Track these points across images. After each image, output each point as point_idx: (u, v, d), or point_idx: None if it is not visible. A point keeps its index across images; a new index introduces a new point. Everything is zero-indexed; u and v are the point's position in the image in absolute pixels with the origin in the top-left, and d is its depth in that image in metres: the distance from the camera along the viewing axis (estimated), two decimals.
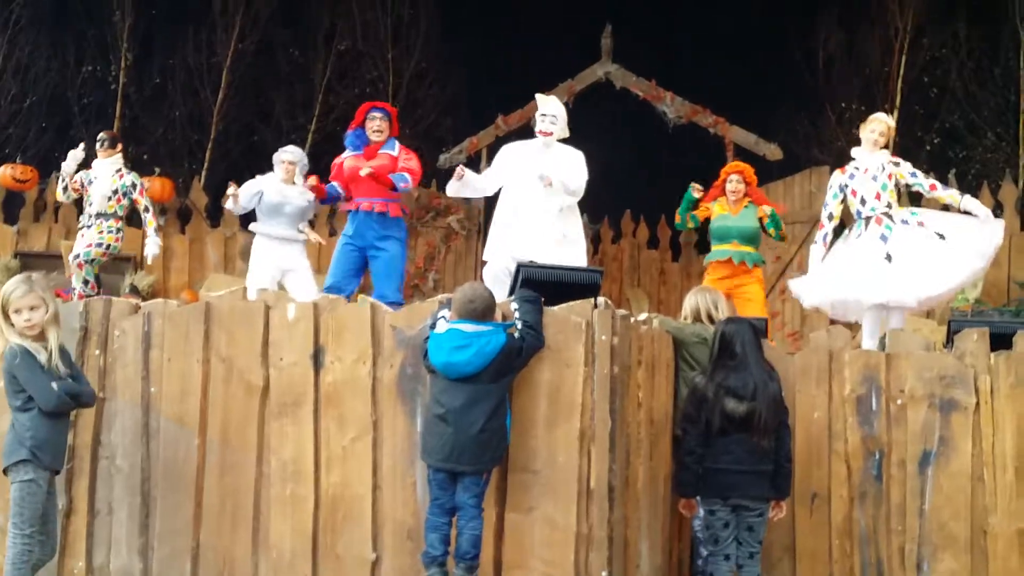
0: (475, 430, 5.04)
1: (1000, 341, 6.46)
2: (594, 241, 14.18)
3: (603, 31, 13.71)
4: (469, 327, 5.11)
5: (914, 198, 10.61)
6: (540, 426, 5.24)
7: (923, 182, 7.78)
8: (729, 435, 5.68)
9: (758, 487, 5.71)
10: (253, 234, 13.56)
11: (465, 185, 8.11)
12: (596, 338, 5.25)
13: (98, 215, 9.42)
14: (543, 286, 5.66)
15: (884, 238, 7.64)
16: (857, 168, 7.95)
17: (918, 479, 6.27)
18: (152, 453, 5.72)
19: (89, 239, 9.33)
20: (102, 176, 9.54)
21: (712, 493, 5.72)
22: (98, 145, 9.69)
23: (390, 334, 5.50)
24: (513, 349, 5.12)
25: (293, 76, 15.93)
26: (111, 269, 11.54)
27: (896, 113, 13.68)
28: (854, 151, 8.05)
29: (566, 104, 13.20)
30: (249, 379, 5.63)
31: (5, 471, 5.15)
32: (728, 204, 8.96)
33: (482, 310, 5.17)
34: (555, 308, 5.32)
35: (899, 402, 6.35)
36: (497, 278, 7.62)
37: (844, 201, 8.01)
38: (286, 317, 5.66)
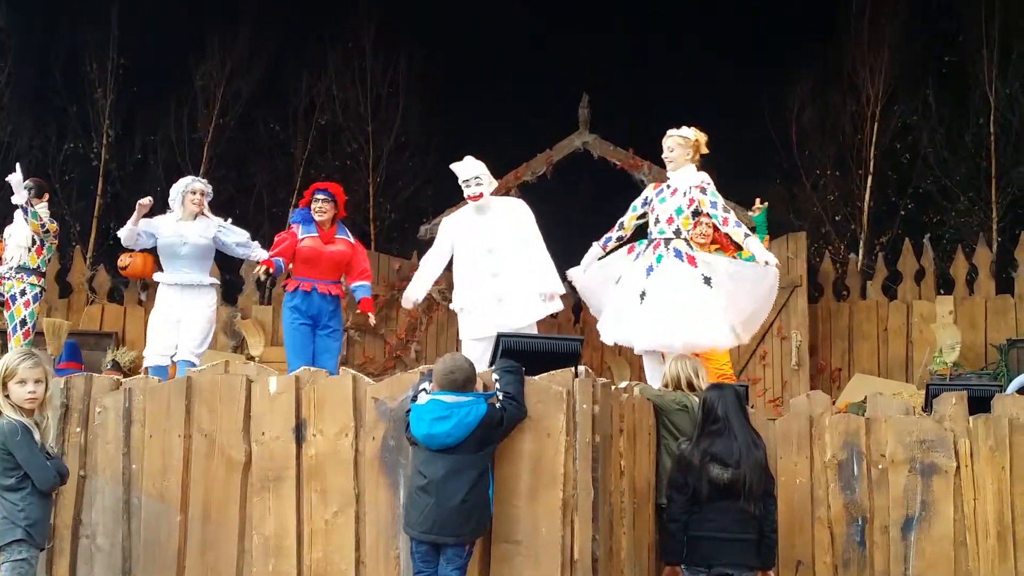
0: (457, 501, 5.02)
1: (979, 404, 6.52)
2: (575, 310, 14.22)
3: (580, 101, 13.88)
4: (450, 398, 5.12)
5: None
6: (522, 496, 5.23)
7: (719, 214, 7.32)
8: (714, 502, 5.69)
9: (743, 555, 5.70)
10: (235, 308, 13.64)
11: (424, 282, 8.08)
12: (577, 407, 5.25)
13: (19, 268, 9.00)
14: (524, 355, 5.68)
15: (649, 269, 7.28)
16: (668, 186, 7.53)
17: (901, 544, 6.29)
18: (133, 531, 5.67)
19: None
20: (19, 226, 9.10)
21: (697, 561, 5.71)
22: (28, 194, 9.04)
23: (372, 406, 5.49)
24: (494, 419, 5.13)
25: (274, 150, 16.07)
26: (92, 345, 11.52)
27: (870, 179, 13.86)
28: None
29: (543, 175, 13.43)
30: (231, 454, 5.61)
31: None
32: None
33: (462, 381, 5.19)
34: (536, 377, 5.33)
35: (880, 467, 6.39)
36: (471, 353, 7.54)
37: (644, 217, 7.60)
38: (267, 391, 5.65)
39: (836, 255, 13.79)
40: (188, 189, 8.08)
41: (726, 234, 7.56)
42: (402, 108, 15.32)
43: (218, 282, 8.23)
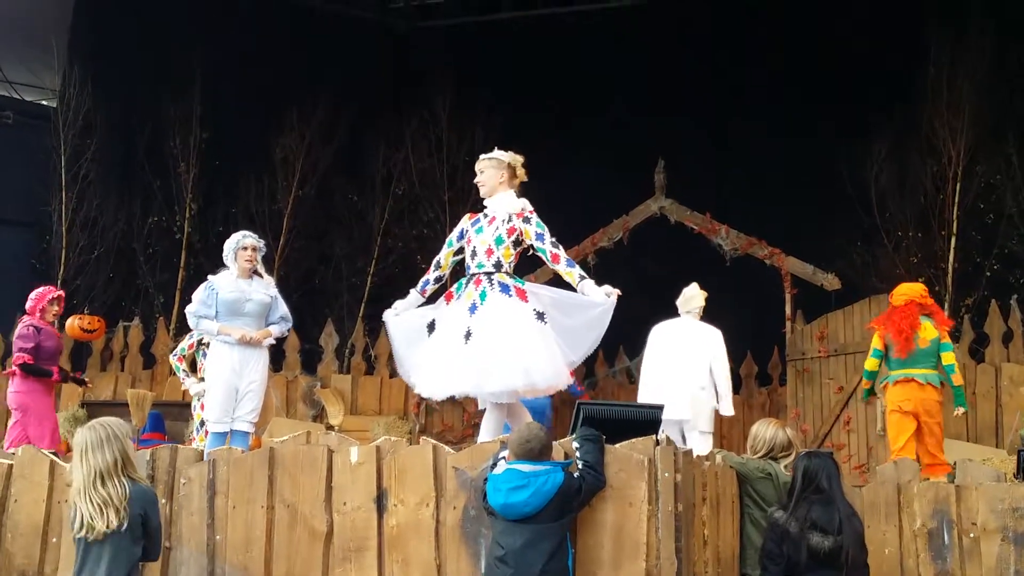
0: (535, 571, 4.98)
1: None
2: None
3: (656, 167, 13.90)
4: (526, 467, 5.10)
5: None
6: (605, 566, 5.18)
7: (548, 249, 6.52)
8: (812, 572, 5.57)
9: None
10: (315, 377, 13.75)
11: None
12: (659, 475, 5.21)
13: None
14: (604, 423, 5.65)
15: (472, 308, 6.41)
16: (485, 215, 6.71)
17: None
18: None
19: None
20: None
21: None
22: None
23: (452, 476, 5.50)
24: (572, 488, 5.09)
25: (352, 220, 16.24)
26: (176, 416, 11.67)
27: (954, 240, 13.65)
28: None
29: (620, 240, 13.43)
30: (313, 525, 5.64)
31: None
32: None
33: (539, 450, 5.17)
34: (616, 446, 5.30)
35: (972, 536, 6.22)
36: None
37: (461, 252, 6.78)
38: (349, 461, 5.68)
39: None
40: (239, 246, 7.85)
41: (557, 272, 6.63)
42: None
43: (273, 342, 8.08)
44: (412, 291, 6.92)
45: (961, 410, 8.81)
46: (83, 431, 5.14)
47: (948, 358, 8.74)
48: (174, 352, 9.62)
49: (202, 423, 8.91)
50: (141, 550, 5.08)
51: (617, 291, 6.34)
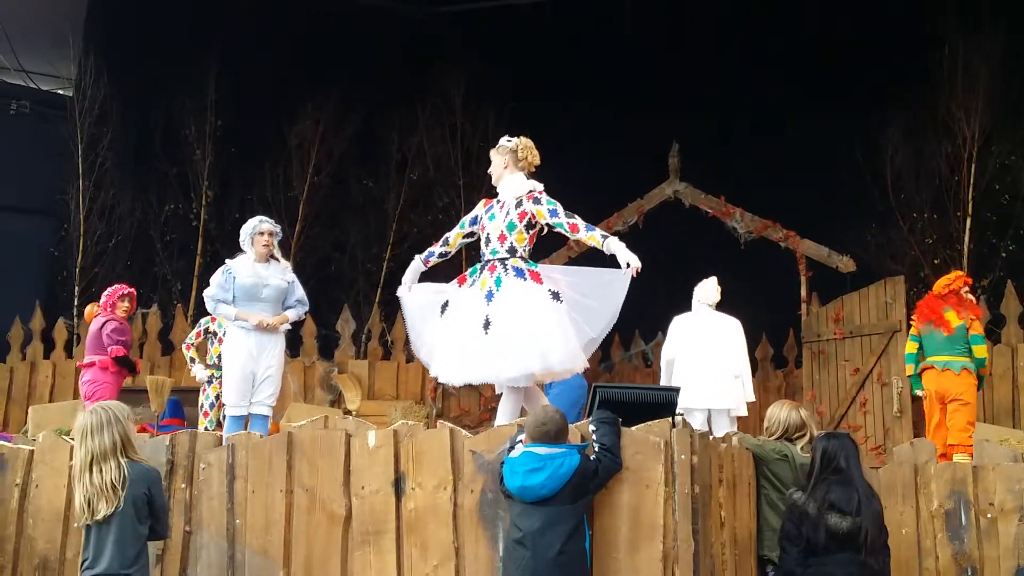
0: (553, 553, 5.00)
1: None
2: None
3: (670, 150, 13.89)
4: (542, 450, 5.13)
5: None
6: (622, 549, 5.21)
7: (564, 221, 6.45)
8: (832, 553, 5.58)
9: None
10: (332, 363, 13.80)
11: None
12: (676, 457, 5.23)
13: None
14: (620, 406, 5.67)
15: (489, 296, 6.40)
16: (498, 202, 6.71)
17: None
18: None
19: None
20: None
21: None
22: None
23: (470, 459, 5.53)
24: (588, 471, 5.12)
25: (367, 206, 16.26)
26: (194, 401, 11.73)
27: (969, 221, 13.60)
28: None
29: (635, 224, 13.44)
30: (332, 509, 5.68)
31: None
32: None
33: (555, 432, 5.20)
34: (633, 428, 5.32)
35: (989, 516, 6.22)
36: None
37: (471, 236, 6.83)
38: (367, 445, 5.72)
39: None
40: (256, 231, 7.88)
41: (579, 241, 6.63)
42: None
43: (290, 327, 8.10)
44: (416, 258, 6.94)
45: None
46: (84, 415, 5.23)
47: (978, 351, 9.10)
48: (185, 340, 9.96)
49: (212, 405, 9.21)
50: (148, 529, 5.15)
51: (637, 264, 6.25)
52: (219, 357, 9.05)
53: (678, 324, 9.63)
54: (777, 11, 15.39)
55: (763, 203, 13.50)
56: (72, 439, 5.41)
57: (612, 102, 15.59)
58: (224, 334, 8.66)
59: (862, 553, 5.56)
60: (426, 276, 6.98)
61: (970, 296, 9.28)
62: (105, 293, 9.90)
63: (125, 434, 5.15)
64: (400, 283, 6.93)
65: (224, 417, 7.90)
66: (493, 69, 15.52)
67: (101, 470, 5.04)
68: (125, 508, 5.03)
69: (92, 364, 9.50)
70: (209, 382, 9.56)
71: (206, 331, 9.67)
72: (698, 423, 8.75)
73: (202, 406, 9.63)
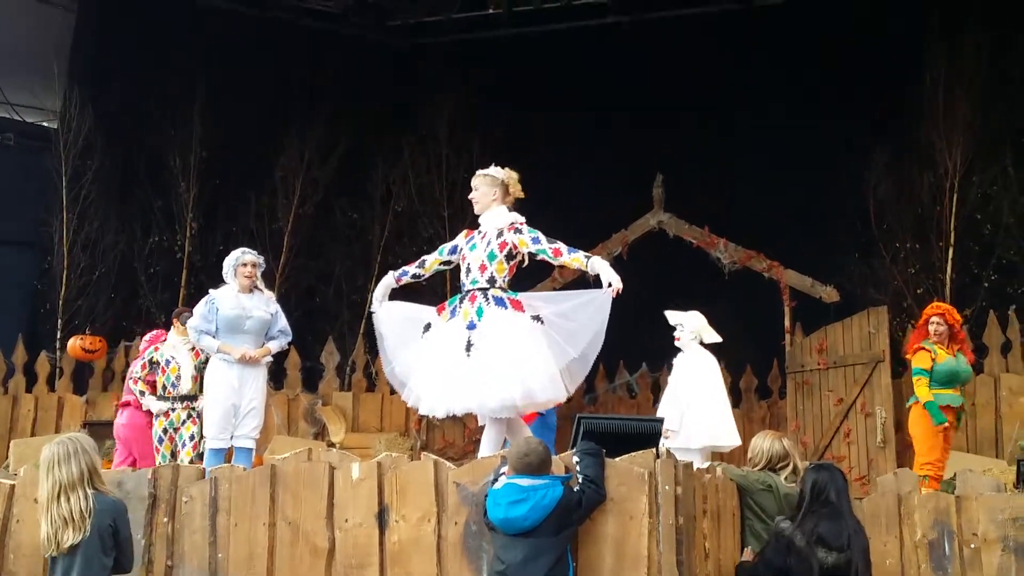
0: None
1: None
2: (654, 390, 14.16)
3: (654, 181, 13.96)
4: (525, 481, 5.12)
5: None
6: None
7: (546, 247, 6.44)
8: None
9: None
10: (316, 395, 13.77)
11: None
12: (660, 488, 5.22)
13: (183, 397, 8.87)
14: (604, 437, 5.67)
15: (471, 325, 6.36)
16: (479, 232, 6.67)
17: None
18: None
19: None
20: (183, 355, 8.98)
21: None
22: (184, 323, 8.86)
23: (454, 491, 5.52)
24: (571, 502, 5.11)
25: (352, 238, 16.26)
26: None
27: (951, 251, 13.66)
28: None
29: (619, 255, 13.49)
30: (315, 541, 5.66)
31: None
32: (944, 347, 8.77)
33: (537, 464, 5.19)
34: (617, 459, 5.32)
35: (973, 546, 6.23)
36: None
37: (449, 264, 6.84)
38: (350, 477, 5.70)
39: None
40: (239, 262, 7.90)
41: (564, 264, 6.58)
42: None
43: (271, 360, 8.09)
44: (390, 273, 6.92)
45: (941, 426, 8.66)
46: (50, 446, 5.21)
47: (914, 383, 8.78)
48: (129, 375, 9.43)
49: (173, 454, 8.80)
50: (113, 561, 5.12)
51: (619, 284, 6.24)
52: (171, 385, 8.91)
53: (691, 362, 9.24)
54: (761, 38, 15.51)
55: (747, 234, 13.57)
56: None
57: (599, 133, 15.67)
58: (166, 363, 8.87)
59: None
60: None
61: (941, 327, 8.81)
62: (146, 338, 9.63)
63: (92, 465, 5.14)
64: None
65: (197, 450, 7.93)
66: (478, 101, 15.59)
67: (69, 499, 5.02)
68: (91, 539, 5.02)
69: (127, 404, 9.33)
70: (173, 410, 8.98)
71: (151, 362, 9.14)
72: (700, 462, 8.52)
73: (161, 439, 8.95)
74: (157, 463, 8.86)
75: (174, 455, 8.83)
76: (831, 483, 5.75)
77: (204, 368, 8.84)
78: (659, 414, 8.91)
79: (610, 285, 6.25)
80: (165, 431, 8.88)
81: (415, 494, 5.56)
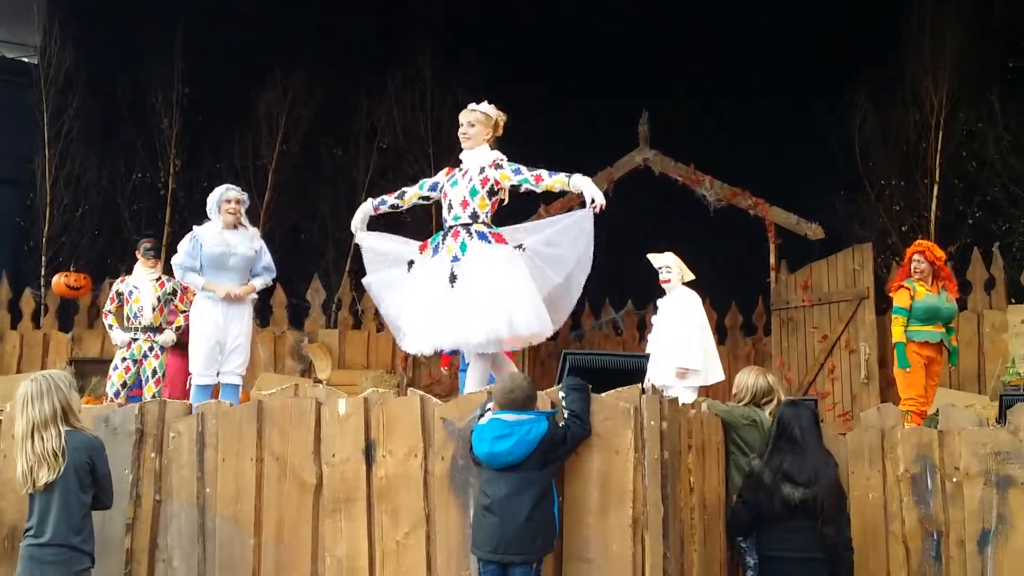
0: (521, 519, 5.01)
1: None
2: (639, 327, 14.21)
3: (640, 118, 13.90)
4: (510, 416, 5.14)
5: None
6: (592, 514, 5.23)
7: (527, 176, 6.41)
8: (786, 521, 5.66)
9: (817, 575, 5.66)
10: (302, 332, 13.78)
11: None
12: (645, 423, 5.23)
13: (145, 328, 9.02)
14: (590, 372, 5.69)
15: (455, 259, 6.34)
16: (460, 169, 6.65)
17: (978, 559, 6.19)
18: (208, 554, 5.76)
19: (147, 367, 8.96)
20: (145, 286, 9.15)
21: None
22: (145, 256, 9.29)
23: (440, 426, 5.53)
24: (556, 437, 5.13)
25: (336, 175, 16.17)
26: None
27: (936, 188, 13.67)
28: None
29: (605, 192, 13.43)
30: (302, 477, 5.68)
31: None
32: (927, 285, 8.81)
33: (522, 399, 5.20)
34: (603, 395, 5.34)
35: (955, 480, 6.29)
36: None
37: (428, 200, 6.87)
38: (337, 413, 5.71)
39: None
40: (223, 198, 7.87)
41: (547, 189, 6.53)
42: None
43: (256, 297, 8.08)
44: (368, 201, 6.99)
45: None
46: (25, 384, 5.21)
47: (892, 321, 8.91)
48: (104, 309, 9.45)
49: (124, 384, 8.88)
50: (91, 498, 5.14)
51: (601, 200, 6.24)
52: (134, 316, 9.02)
53: (686, 299, 9.19)
54: None
55: (732, 171, 13.55)
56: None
57: (584, 71, 15.56)
58: (129, 294, 9.05)
59: (817, 522, 5.64)
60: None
61: (922, 264, 8.85)
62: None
63: (67, 402, 5.14)
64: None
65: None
66: (464, 39, 15.45)
67: (43, 437, 5.03)
68: (67, 476, 5.04)
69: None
70: (135, 340, 9.01)
71: (117, 294, 9.22)
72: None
73: (116, 394, 8.95)
74: (107, 389, 8.92)
75: (124, 385, 8.86)
76: (794, 420, 5.83)
77: (167, 300, 9.03)
78: (668, 355, 8.87)
79: (592, 202, 6.22)
80: (123, 360, 8.96)
81: (402, 430, 5.58)
